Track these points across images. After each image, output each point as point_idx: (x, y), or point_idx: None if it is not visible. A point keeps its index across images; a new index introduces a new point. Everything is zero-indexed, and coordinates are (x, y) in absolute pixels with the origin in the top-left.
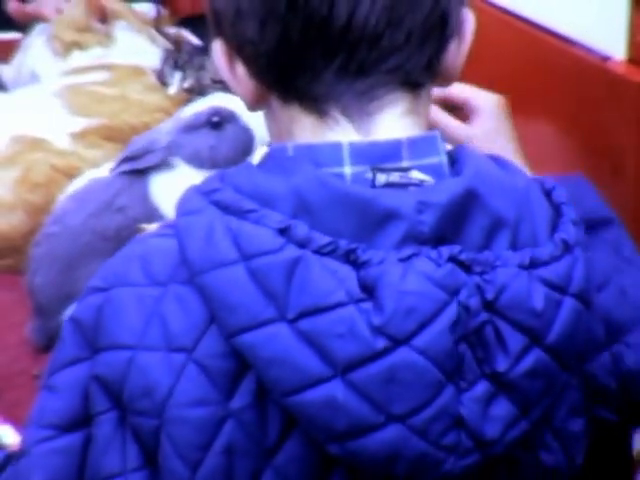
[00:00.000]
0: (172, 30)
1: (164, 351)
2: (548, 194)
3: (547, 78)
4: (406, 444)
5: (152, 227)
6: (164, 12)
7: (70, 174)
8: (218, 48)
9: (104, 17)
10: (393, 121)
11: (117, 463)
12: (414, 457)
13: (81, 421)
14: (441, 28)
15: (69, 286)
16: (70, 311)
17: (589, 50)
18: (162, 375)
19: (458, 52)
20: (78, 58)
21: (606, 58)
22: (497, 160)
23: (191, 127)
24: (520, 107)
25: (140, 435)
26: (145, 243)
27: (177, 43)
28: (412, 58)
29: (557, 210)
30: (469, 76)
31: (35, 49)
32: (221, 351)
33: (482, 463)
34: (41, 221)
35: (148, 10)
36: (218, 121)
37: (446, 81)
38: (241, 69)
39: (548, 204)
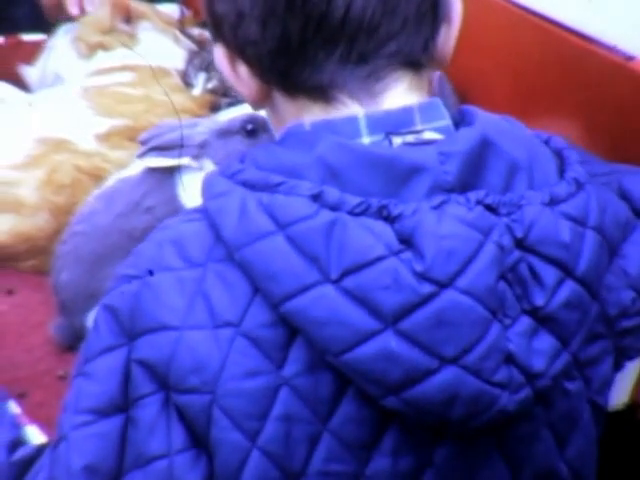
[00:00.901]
0: (196, 31)
1: (211, 328)
2: (546, 142)
3: (569, 77)
4: (462, 385)
5: None
6: (188, 13)
7: (95, 175)
8: (219, 51)
9: (129, 18)
10: (399, 97)
11: (162, 445)
12: (470, 397)
13: (119, 406)
14: (433, 13)
15: (94, 285)
16: (96, 310)
17: (612, 49)
18: (211, 351)
19: (448, 36)
20: (102, 59)
21: (630, 57)
22: (500, 115)
23: (225, 132)
24: (542, 106)
25: (188, 414)
26: (175, 228)
27: (201, 44)
28: (409, 42)
29: (559, 155)
30: (491, 76)
31: (59, 50)
32: (268, 321)
33: (532, 397)
34: (66, 222)
35: (172, 11)
36: (252, 129)
37: (439, 64)
38: (243, 69)
39: (550, 151)
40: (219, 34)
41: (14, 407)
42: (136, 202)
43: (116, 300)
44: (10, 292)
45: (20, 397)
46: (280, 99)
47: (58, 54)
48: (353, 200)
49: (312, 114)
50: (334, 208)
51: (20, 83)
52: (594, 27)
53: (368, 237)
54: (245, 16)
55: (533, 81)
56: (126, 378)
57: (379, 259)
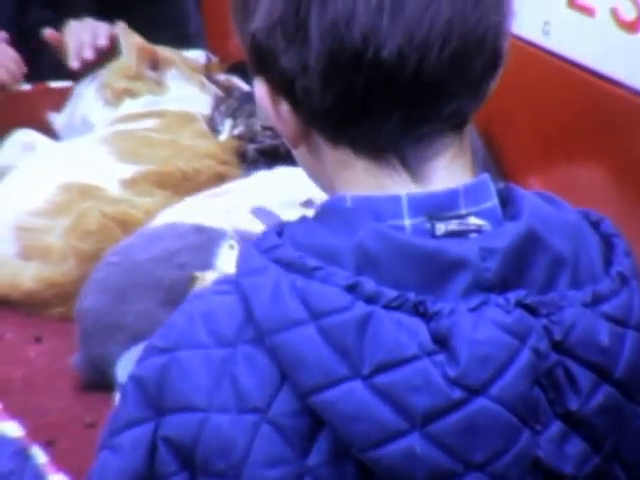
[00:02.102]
0: (222, 77)
1: (237, 412)
2: (595, 226)
3: (607, 126)
4: None
5: (208, 276)
6: (214, 59)
7: (122, 221)
8: (261, 87)
9: (155, 65)
10: (446, 167)
11: None
12: None
13: None
14: (494, 71)
15: (115, 316)
16: (120, 356)
17: None
18: (237, 436)
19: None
20: (129, 106)
21: None
22: (544, 196)
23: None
24: (579, 154)
25: None
26: (206, 300)
27: (227, 90)
28: (469, 104)
29: (607, 242)
30: (528, 123)
31: (87, 97)
32: (294, 410)
33: None
34: (92, 269)
35: (198, 57)
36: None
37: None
38: (285, 108)
39: (597, 236)
40: (262, 68)
41: (41, 456)
42: (172, 253)
43: (145, 372)
44: (38, 339)
45: (48, 444)
46: (321, 144)
47: (85, 101)
48: (390, 294)
49: (355, 173)
50: (370, 301)
51: (48, 130)
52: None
53: (402, 334)
54: (308, 69)
55: (568, 129)
56: (152, 453)
57: (412, 359)
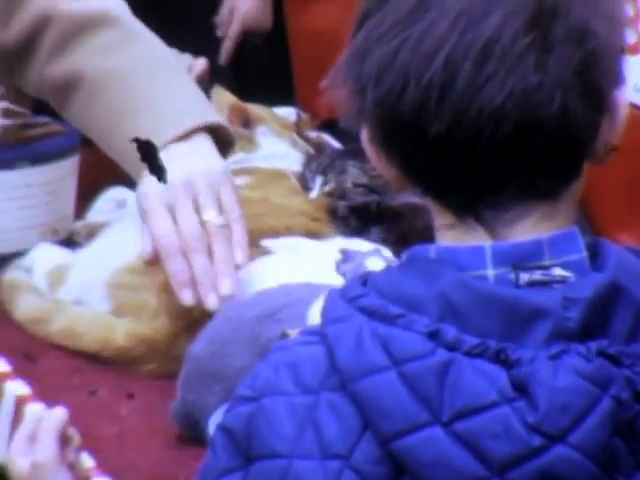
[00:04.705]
0: (313, 134)
1: (319, 458)
2: None
3: None
4: None
5: (295, 332)
6: (304, 116)
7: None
8: (367, 135)
9: (247, 122)
10: (529, 229)
11: None
12: None
13: None
14: (567, 155)
15: (216, 366)
16: (214, 413)
17: None
18: None
19: (609, 134)
20: None
21: None
22: (635, 251)
23: None
24: None
25: None
26: (292, 351)
27: (318, 147)
28: (545, 180)
29: None
30: (619, 179)
31: None
32: (376, 456)
33: None
34: (183, 326)
35: (288, 114)
36: None
37: (597, 162)
38: (384, 158)
39: None
40: (368, 119)
41: None
42: (276, 310)
43: (232, 422)
44: (130, 396)
45: None
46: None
47: None
48: (471, 341)
49: (442, 222)
50: (451, 348)
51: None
52: None
53: (482, 381)
54: (417, 144)
55: None
56: None
57: (492, 405)
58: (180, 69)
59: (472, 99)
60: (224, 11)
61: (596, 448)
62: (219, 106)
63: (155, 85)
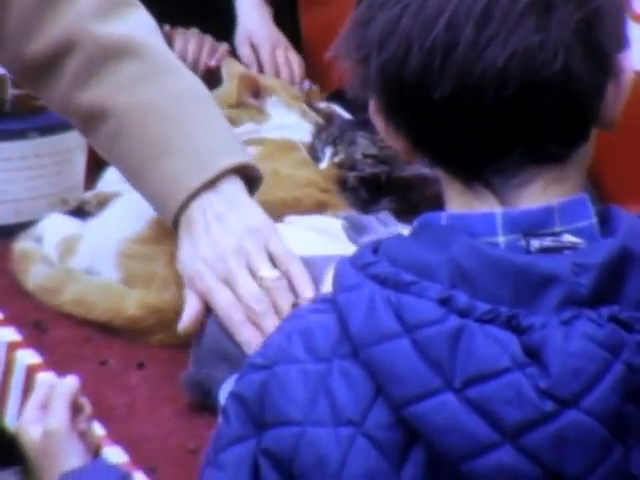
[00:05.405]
0: (323, 105)
1: (332, 425)
2: None
3: None
4: None
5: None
6: (314, 87)
7: None
8: (374, 106)
9: (257, 93)
10: (537, 194)
11: None
12: None
13: None
14: (573, 115)
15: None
16: (225, 387)
17: None
18: (332, 449)
19: (616, 99)
20: None
21: None
22: None
23: None
24: None
25: None
26: (304, 319)
27: (328, 118)
28: (552, 142)
29: None
30: (629, 147)
31: None
32: (389, 422)
33: None
34: None
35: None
36: None
37: (605, 127)
38: (392, 129)
39: None
40: (377, 90)
41: None
42: None
43: (245, 389)
44: (141, 365)
45: (150, 471)
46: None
47: None
48: (483, 307)
49: (451, 188)
50: (462, 314)
51: None
52: None
53: (494, 347)
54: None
55: None
56: (256, 470)
57: (504, 371)
58: (208, 101)
59: (475, 61)
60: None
61: (608, 413)
62: (230, 77)
63: (183, 124)
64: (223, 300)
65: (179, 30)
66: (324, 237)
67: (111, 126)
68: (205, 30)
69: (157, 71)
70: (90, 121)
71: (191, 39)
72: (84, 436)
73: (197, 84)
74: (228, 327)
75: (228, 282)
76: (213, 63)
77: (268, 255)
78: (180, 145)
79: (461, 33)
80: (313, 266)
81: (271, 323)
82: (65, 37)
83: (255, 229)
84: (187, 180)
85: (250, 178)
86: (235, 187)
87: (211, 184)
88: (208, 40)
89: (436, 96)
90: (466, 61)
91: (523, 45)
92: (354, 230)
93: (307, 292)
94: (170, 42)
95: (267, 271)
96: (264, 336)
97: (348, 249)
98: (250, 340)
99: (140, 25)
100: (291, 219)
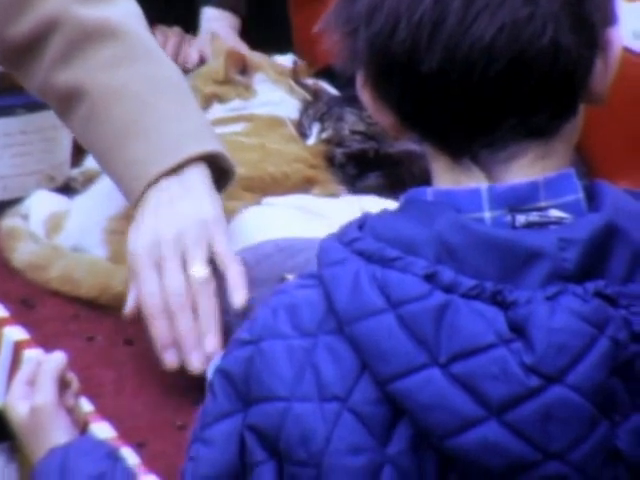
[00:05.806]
0: (310, 81)
1: (318, 401)
2: None
3: None
4: None
5: (293, 276)
6: (302, 63)
7: None
8: (361, 80)
9: (244, 69)
10: (524, 168)
11: None
12: None
13: (237, 473)
14: (561, 90)
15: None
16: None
17: None
18: (317, 424)
19: (604, 73)
20: (218, 110)
21: None
22: (632, 193)
23: None
24: None
25: None
26: (289, 294)
27: (315, 94)
28: (541, 116)
29: None
30: (617, 122)
31: None
32: (374, 398)
33: None
34: None
35: (285, 61)
36: None
37: (594, 102)
38: (379, 103)
39: None
40: (365, 67)
41: (132, 457)
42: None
43: (231, 365)
44: (129, 342)
45: (139, 447)
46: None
47: None
48: (468, 283)
49: (438, 166)
50: (447, 290)
51: None
52: None
53: (479, 323)
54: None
55: None
56: (242, 445)
57: (489, 347)
58: (184, 90)
59: (463, 35)
60: None
61: (593, 388)
62: (216, 52)
63: (154, 109)
64: (145, 287)
65: (161, 27)
66: (305, 214)
67: (85, 107)
68: (188, 30)
69: (135, 55)
70: (66, 102)
71: (171, 37)
72: (72, 412)
73: (175, 72)
74: (144, 316)
75: (159, 267)
76: (188, 65)
77: (208, 251)
78: (148, 130)
79: (449, 7)
80: (292, 255)
81: (184, 322)
82: (47, 20)
83: (203, 220)
84: (150, 164)
85: (222, 170)
86: (198, 176)
87: (173, 171)
88: (188, 40)
89: (424, 70)
90: (454, 35)
91: (511, 18)
92: None
93: (238, 298)
94: None
95: (198, 269)
96: (175, 334)
97: (330, 227)
98: (158, 335)
99: (125, 11)
100: (269, 200)
